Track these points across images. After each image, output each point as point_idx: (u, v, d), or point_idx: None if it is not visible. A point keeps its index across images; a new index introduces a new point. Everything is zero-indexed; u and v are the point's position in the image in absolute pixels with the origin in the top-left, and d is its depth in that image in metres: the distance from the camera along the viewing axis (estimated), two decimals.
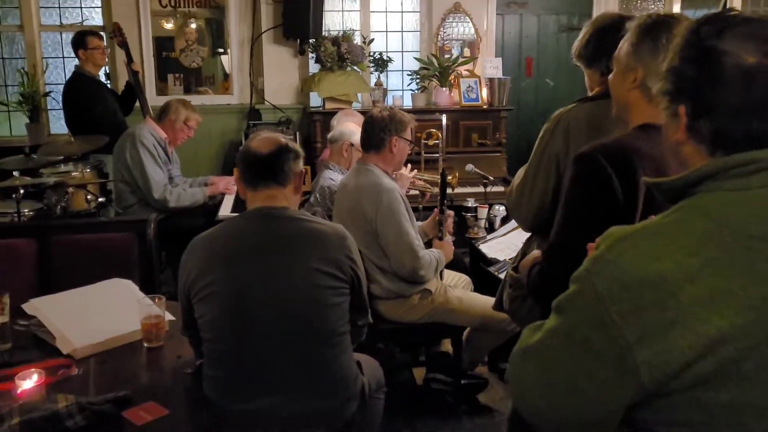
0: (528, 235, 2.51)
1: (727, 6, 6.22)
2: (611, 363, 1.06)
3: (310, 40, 6.16)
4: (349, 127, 4.33)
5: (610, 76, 2.01)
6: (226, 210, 4.60)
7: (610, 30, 2.22)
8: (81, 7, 6.47)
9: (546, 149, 2.26)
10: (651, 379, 1.03)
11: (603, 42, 2.23)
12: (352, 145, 4.18)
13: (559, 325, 1.16)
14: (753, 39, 1.09)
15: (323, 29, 6.33)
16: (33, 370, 2.12)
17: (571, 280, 1.17)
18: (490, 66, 6.56)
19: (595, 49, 2.27)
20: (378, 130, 3.41)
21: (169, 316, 2.59)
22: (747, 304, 1.00)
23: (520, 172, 2.41)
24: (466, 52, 6.71)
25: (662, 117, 1.23)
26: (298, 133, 6.07)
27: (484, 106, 6.30)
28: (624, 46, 1.93)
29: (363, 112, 4.53)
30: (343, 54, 6.08)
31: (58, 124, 6.09)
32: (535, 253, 2.14)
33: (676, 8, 7.14)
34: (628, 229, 1.15)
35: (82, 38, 5.33)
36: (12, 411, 1.90)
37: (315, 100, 6.45)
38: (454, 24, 6.77)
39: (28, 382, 2.07)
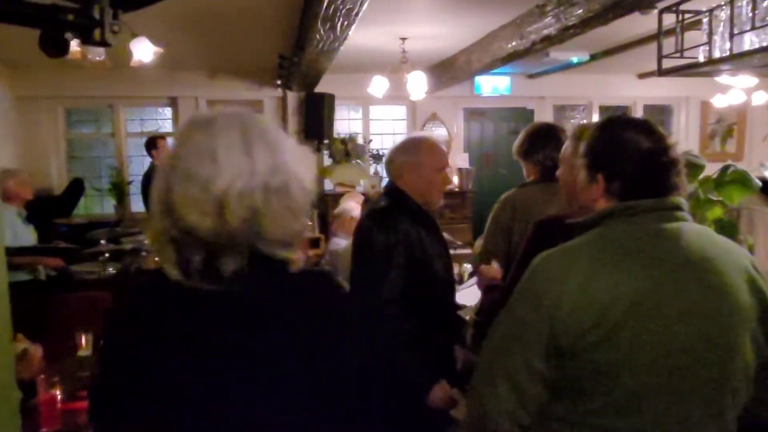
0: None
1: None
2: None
3: (325, 141, 6.28)
4: (351, 204, 4.33)
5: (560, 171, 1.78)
6: None
7: (538, 134, 2.30)
8: (156, 119, 6.62)
9: (498, 220, 2.30)
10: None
11: (534, 142, 2.29)
12: (353, 218, 4.18)
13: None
14: (644, 132, 1.19)
15: (334, 133, 6.46)
16: None
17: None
18: (460, 159, 6.65)
19: (529, 147, 2.32)
20: None
21: None
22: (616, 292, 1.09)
23: (479, 242, 2.40)
24: None
25: (581, 184, 1.26)
26: (315, 209, 6.09)
27: (456, 189, 6.36)
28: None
29: (364, 194, 4.57)
30: (349, 151, 6.19)
31: (138, 204, 6.15)
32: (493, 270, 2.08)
33: (595, 117, 7.26)
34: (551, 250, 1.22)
35: (153, 141, 5.40)
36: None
37: (328, 185, 6.54)
38: (433, 128, 6.89)
39: None
